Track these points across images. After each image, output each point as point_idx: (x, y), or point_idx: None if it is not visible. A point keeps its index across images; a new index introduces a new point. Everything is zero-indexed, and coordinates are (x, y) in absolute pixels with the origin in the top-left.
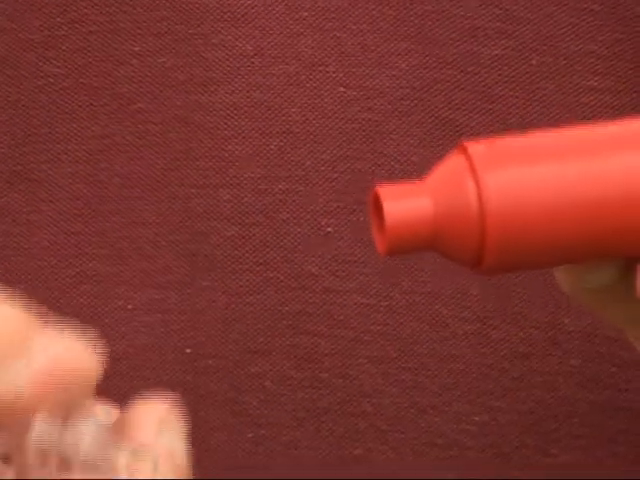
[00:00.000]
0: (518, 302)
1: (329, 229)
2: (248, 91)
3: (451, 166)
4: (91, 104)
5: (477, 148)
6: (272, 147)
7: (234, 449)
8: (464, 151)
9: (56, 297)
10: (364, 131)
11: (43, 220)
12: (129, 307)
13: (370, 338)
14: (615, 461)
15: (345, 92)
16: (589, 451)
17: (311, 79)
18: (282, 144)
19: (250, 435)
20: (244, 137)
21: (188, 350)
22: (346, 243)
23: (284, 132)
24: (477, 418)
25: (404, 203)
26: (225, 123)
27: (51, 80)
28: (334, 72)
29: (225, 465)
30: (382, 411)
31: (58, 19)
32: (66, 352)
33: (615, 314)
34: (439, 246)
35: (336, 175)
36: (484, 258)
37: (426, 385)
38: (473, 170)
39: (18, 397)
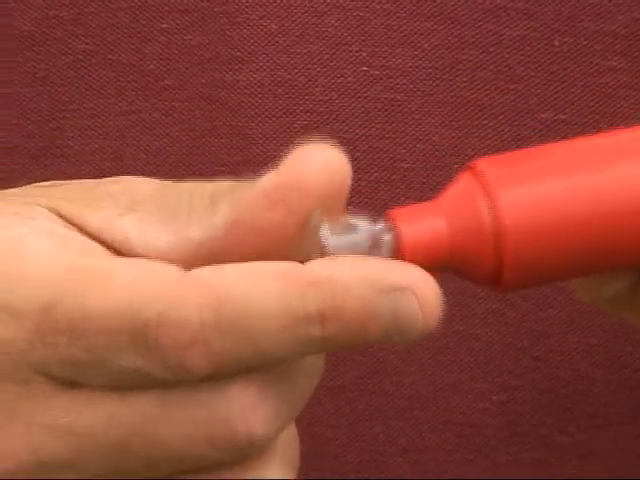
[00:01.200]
0: None
1: (350, 207)
2: (272, 70)
3: (462, 185)
4: (118, 81)
5: (487, 166)
6: (295, 126)
7: None
8: (473, 170)
9: None
10: (386, 111)
11: None
12: None
13: None
14: (631, 441)
15: (368, 71)
16: (605, 430)
17: (334, 58)
18: (305, 123)
19: None
20: (267, 116)
21: None
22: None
23: (307, 111)
24: (495, 397)
25: (419, 225)
26: (249, 101)
27: (79, 57)
28: (357, 51)
29: None
30: (402, 389)
31: None
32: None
33: (633, 318)
34: (456, 267)
35: (358, 154)
36: (502, 277)
37: (445, 364)
38: (485, 188)
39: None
